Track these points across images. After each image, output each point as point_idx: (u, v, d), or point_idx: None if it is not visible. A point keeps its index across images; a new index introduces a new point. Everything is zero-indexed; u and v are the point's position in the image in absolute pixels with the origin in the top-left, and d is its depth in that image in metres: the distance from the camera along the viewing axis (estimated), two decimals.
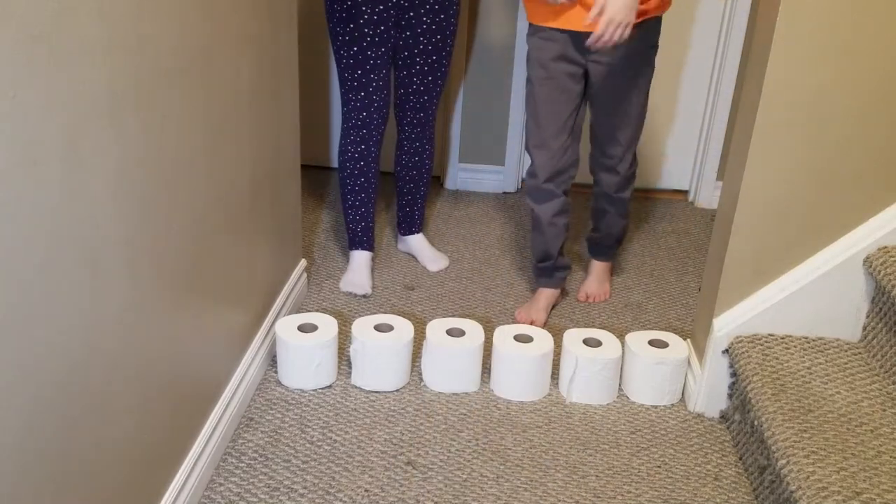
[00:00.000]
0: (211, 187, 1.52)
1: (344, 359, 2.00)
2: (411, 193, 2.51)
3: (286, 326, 1.89)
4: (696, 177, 3.22)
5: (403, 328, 1.92)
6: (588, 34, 1.84)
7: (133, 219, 1.20)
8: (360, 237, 2.40)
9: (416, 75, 2.26)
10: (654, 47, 2.06)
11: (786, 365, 1.69)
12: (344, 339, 2.07)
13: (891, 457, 1.43)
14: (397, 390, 1.91)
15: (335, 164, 3.34)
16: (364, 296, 2.33)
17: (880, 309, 1.69)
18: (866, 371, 1.68)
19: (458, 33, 3.01)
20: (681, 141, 3.24)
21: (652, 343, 1.93)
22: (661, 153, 3.28)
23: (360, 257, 2.40)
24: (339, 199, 2.68)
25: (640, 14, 1.86)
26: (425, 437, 1.76)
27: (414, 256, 2.58)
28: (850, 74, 1.59)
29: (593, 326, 2.23)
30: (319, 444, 1.72)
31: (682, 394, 1.93)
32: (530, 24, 2.03)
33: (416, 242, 2.58)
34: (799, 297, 1.75)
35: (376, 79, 2.17)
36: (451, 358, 1.88)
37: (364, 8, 2.09)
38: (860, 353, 1.74)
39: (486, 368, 1.98)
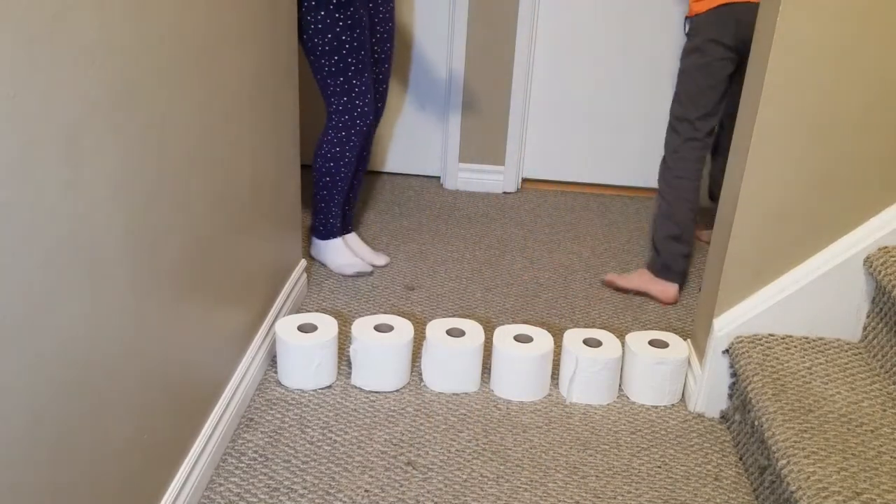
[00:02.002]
0: (211, 187, 1.52)
1: (344, 359, 2.00)
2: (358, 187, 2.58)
3: (286, 326, 1.89)
4: None
5: (403, 328, 1.91)
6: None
7: (133, 219, 1.20)
8: (338, 226, 2.45)
9: (384, 62, 2.35)
10: (689, 44, 2.27)
11: (786, 365, 1.69)
12: (344, 339, 2.07)
13: (891, 457, 1.43)
14: (397, 390, 1.91)
15: None
16: (371, 272, 2.43)
17: (880, 309, 1.69)
18: (867, 371, 1.68)
19: (458, 35, 3.01)
20: None
21: (652, 343, 1.93)
22: (661, 153, 3.27)
23: (341, 242, 2.46)
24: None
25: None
26: (425, 437, 1.76)
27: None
28: (850, 75, 1.59)
29: (593, 326, 2.23)
30: (319, 444, 1.72)
31: (683, 394, 1.93)
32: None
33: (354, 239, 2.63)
34: (799, 297, 1.75)
35: (369, 78, 2.24)
36: (451, 358, 1.88)
37: (363, 11, 2.16)
38: (860, 353, 1.74)
39: (486, 368, 1.98)
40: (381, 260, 2.53)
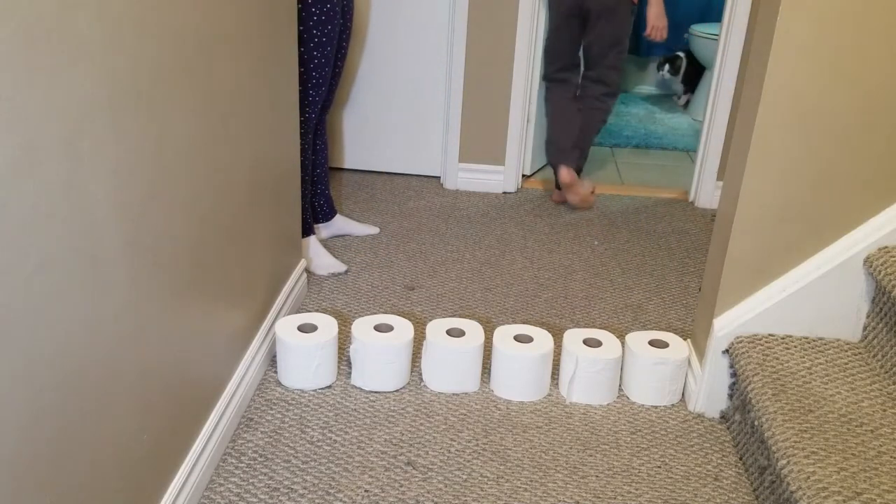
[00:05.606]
0: (211, 187, 1.51)
1: (344, 359, 1.99)
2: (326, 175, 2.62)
3: (286, 326, 1.89)
4: (696, 177, 3.22)
5: (403, 328, 1.91)
6: None
7: (133, 219, 1.20)
8: (310, 221, 2.45)
9: (340, 59, 2.39)
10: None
11: (786, 365, 1.69)
12: (344, 339, 2.07)
13: (891, 457, 1.43)
14: (397, 390, 1.91)
15: (335, 164, 3.34)
16: (347, 271, 2.45)
17: (880, 309, 1.69)
18: (866, 371, 1.68)
19: (458, 35, 3.01)
20: None
21: (652, 343, 1.93)
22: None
23: (314, 240, 2.46)
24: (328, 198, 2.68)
25: None
26: (425, 437, 1.76)
27: (344, 235, 2.72)
28: (851, 75, 1.59)
29: (593, 326, 2.23)
30: (319, 444, 1.72)
31: (683, 394, 1.93)
32: None
33: (342, 220, 2.71)
34: (799, 297, 1.75)
35: (328, 73, 2.29)
36: (451, 358, 1.88)
37: (338, 8, 2.19)
38: (860, 353, 1.74)
39: (486, 368, 1.98)
40: (372, 230, 2.70)
